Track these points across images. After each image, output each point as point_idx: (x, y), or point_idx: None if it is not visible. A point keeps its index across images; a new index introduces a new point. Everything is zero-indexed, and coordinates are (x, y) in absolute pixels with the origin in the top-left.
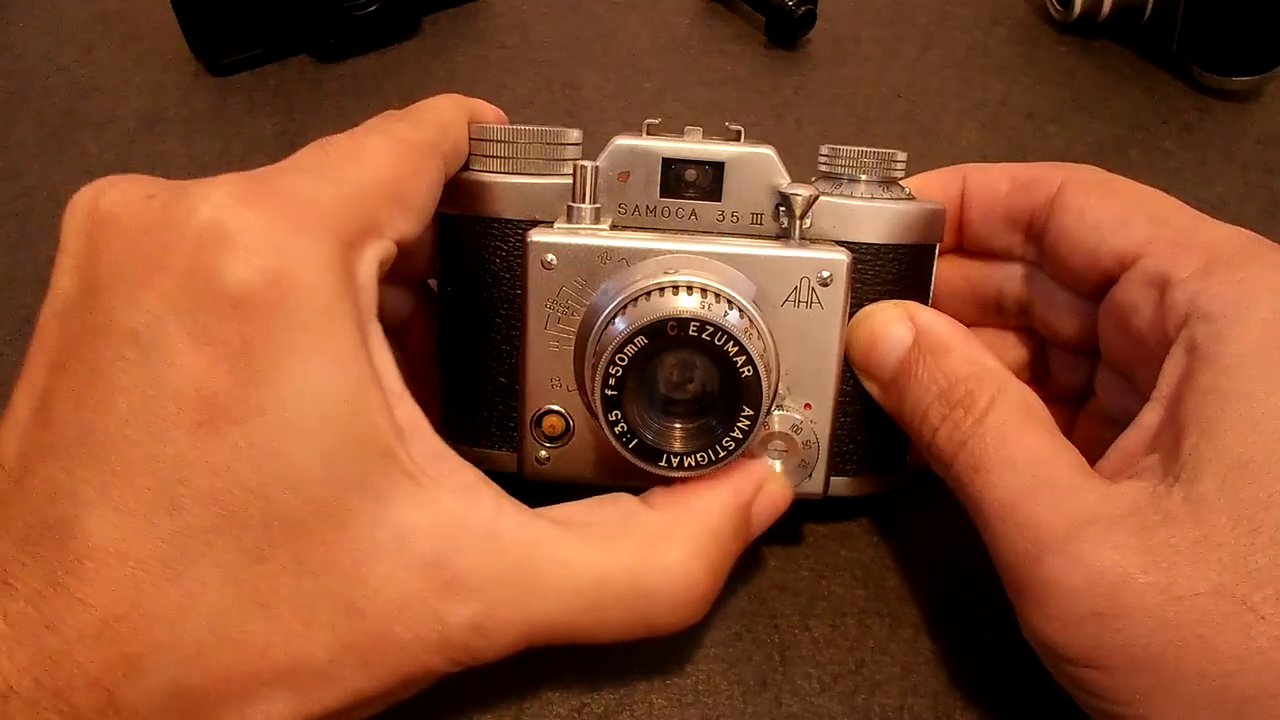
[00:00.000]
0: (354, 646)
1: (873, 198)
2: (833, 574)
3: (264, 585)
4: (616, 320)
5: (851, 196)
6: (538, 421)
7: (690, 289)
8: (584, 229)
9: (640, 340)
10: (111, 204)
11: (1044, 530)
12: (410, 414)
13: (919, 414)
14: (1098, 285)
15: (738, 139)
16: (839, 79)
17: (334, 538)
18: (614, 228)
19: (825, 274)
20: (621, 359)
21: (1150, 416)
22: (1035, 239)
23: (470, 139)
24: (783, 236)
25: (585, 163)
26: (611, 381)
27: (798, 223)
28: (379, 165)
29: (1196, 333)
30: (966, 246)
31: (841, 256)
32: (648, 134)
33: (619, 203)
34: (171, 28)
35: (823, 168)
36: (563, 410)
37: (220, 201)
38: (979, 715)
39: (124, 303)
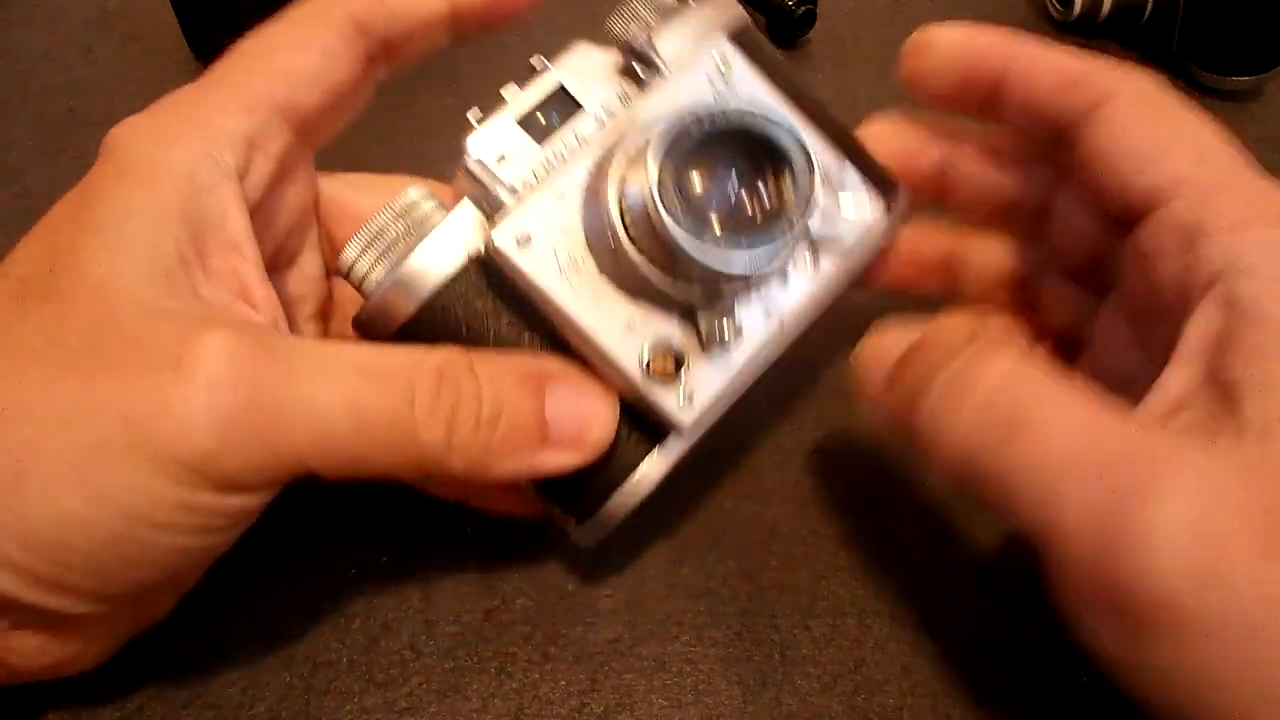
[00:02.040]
0: (79, 371)
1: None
2: (833, 574)
3: (10, 324)
4: (630, 189)
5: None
6: (648, 371)
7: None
8: (521, 199)
9: (678, 139)
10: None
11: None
12: (227, 267)
13: (920, 384)
14: (1122, 216)
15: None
16: (839, 79)
17: (98, 306)
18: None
19: (720, 54)
20: (668, 159)
21: (1177, 378)
22: (1069, 145)
23: (343, 270)
24: (651, 72)
25: (473, 166)
26: (663, 191)
27: (654, 52)
28: (262, 57)
29: (1238, 288)
30: (1007, 119)
31: (720, 6)
32: (481, 122)
33: (508, 179)
34: (171, 28)
35: (619, 32)
36: (656, 341)
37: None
38: (979, 715)
39: None
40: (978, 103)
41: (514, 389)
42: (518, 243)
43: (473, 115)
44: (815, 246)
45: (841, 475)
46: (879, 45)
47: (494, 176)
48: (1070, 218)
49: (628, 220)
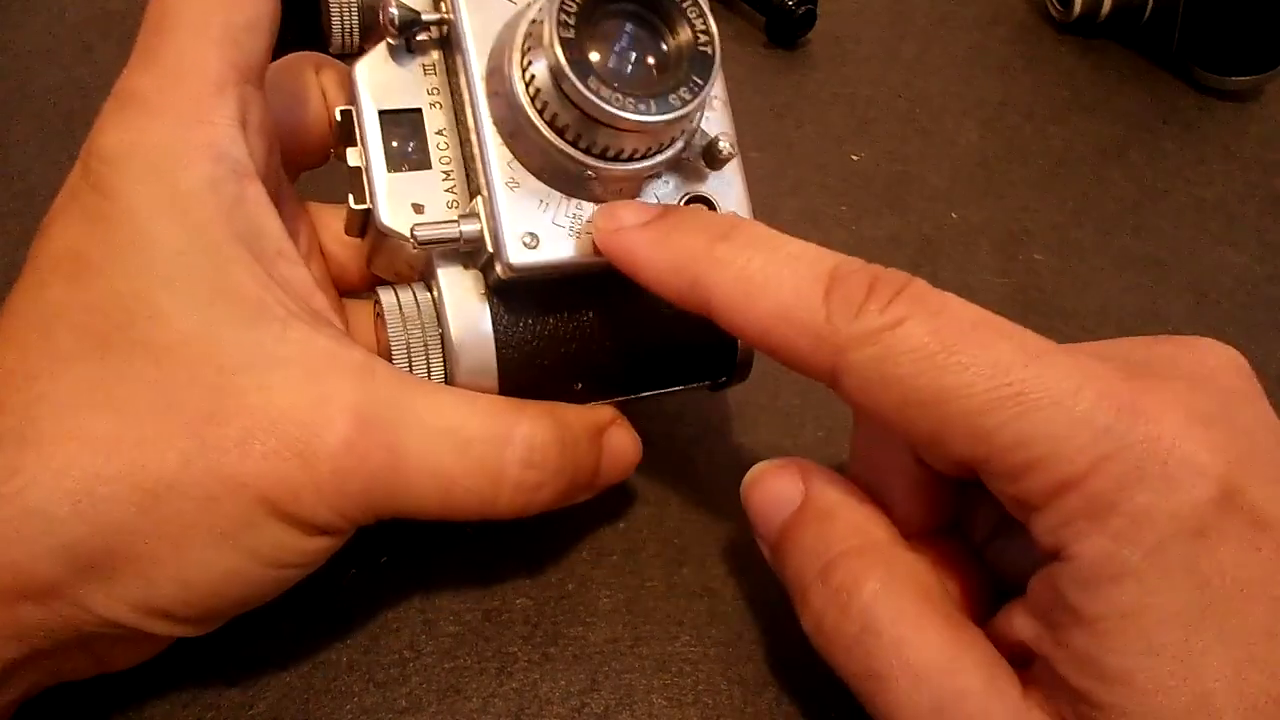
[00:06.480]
0: (211, 449)
1: None
2: None
3: (121, 394)
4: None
5: None
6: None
7: None
8: (485, 214)
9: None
10: None
11: None
12: (292, 274)
13: (801, 590)
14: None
15: None
16: (839, 79)
17: (202, 360)
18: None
19: None
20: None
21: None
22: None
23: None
24: (429, 29)
25: (421, 236)
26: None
27: (407, 10)
28: (201, 21)
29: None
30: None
31: None
32: (364, 201)
33: (450, 216)
34: None
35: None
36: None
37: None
38: None
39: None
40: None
41: (585, 449)
42: (527, 247)
43: (355, 204)
44: None
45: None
46: (879, 45)
47: (442, 228)
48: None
49: (575, 136)
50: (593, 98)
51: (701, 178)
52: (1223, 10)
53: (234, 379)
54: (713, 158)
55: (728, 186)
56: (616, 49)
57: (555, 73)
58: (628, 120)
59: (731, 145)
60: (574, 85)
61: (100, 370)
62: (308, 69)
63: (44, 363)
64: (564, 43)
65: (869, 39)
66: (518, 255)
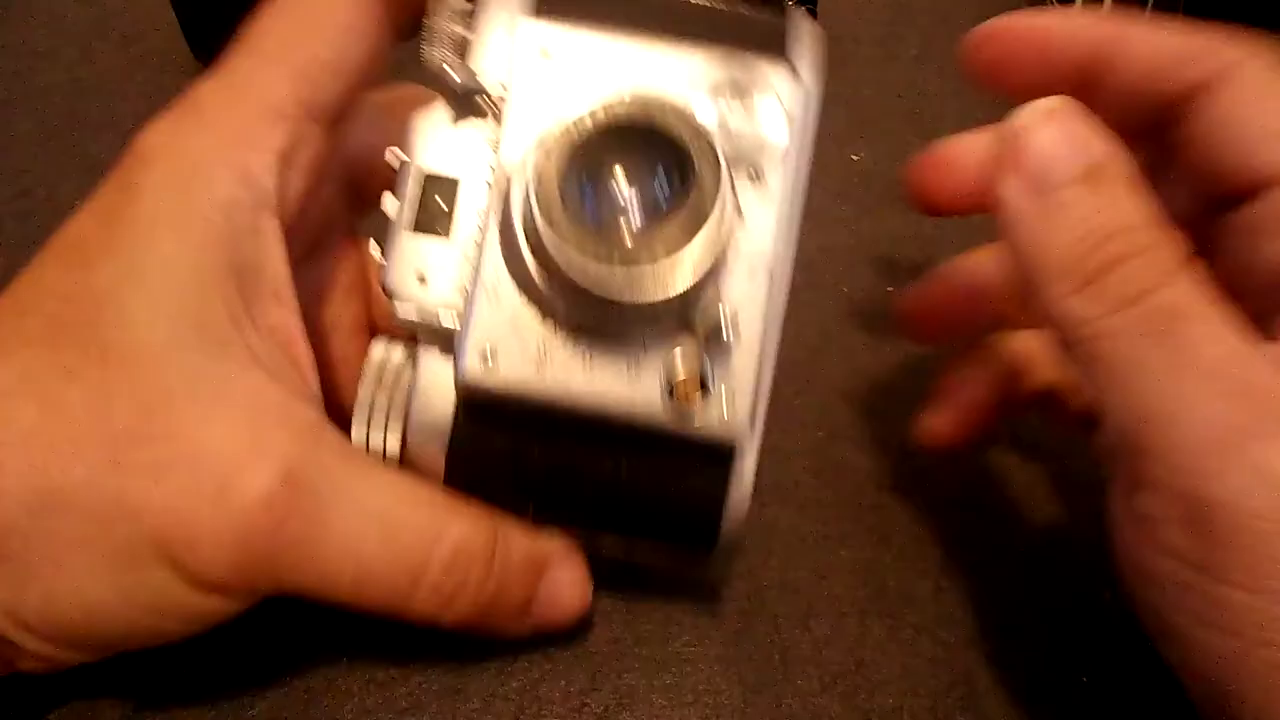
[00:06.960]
0: (122, 469)
1: None
2: (833, 574)
3: (56, 389)
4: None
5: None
6: (681, 403)
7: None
8: (462, 315)
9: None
10: None
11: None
12: (279, 319)
13: (1074, 262)
14: (1230, 195)
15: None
16: (839, 79)
17: (148, 375)
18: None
19: (532, 39)
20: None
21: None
22: (1171, 123)
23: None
24: (490, 101)
25: (403, 313)
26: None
27: (473, 78)
28: (282, 51)
29: None
30: (1100, 104)
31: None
32: (384, 255)
33: (439, 300)
34: (172, 28)
35: (434, 68)
36: (666, 370)
37: (156, 124)
38: (978, 715)
39: None
40: (1067, 90)
41: (517, 575)
42: (484, 362)
43: (374, 251)
44: (752, 170)
45: (841, 475)
46: (879, 45)
47: (427, 310)
48: (1170, 199)
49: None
50: (550, 249)
51: (702, 345)
52: (1222, 10)
53: (172, 402)
54: (710, 337)
55: (731, 363)
56: (599, 195)
57: (528, 207)
58: (583, 285)
59: (731, 330)
60: (540, 228)
61: (46, 361)
62: (413, 104)
63: (9, 343)
64: (539, 178)
65: (869, 39)
66: (470, 369)
